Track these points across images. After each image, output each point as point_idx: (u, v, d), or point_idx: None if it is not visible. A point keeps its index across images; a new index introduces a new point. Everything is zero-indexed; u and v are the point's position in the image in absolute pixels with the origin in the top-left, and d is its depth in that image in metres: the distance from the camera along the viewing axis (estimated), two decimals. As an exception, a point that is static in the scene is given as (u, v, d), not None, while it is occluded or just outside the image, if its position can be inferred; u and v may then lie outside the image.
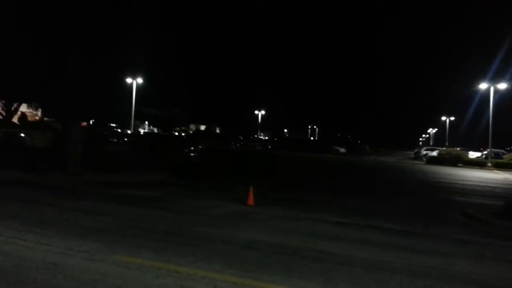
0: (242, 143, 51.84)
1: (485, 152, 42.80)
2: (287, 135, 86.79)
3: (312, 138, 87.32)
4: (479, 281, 5.33)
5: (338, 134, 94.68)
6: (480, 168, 36.31)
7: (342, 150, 53.11)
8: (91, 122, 47.86)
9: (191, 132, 63.03)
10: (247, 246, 6.28)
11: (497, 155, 42.66)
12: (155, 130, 63.49)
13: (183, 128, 66.52)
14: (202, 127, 75.79)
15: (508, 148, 52.62)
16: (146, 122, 69.37)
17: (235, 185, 13.22)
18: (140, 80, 44.22)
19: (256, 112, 75.20)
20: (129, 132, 41.25)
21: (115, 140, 29.29)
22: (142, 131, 56.07)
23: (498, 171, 34.07)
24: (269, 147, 52.31)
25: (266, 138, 68.55)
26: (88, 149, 14.57)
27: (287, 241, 6.71)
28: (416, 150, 60.64)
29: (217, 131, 72.56)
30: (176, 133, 57.24)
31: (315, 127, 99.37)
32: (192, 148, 20.52)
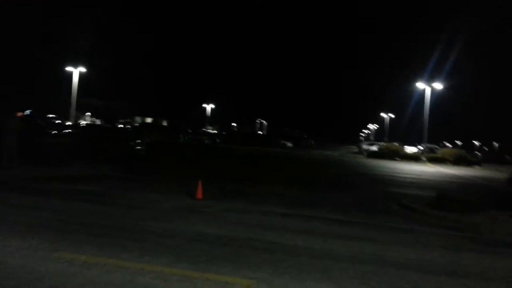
0: (190, 136, 51.23)
1: (420, 147, 45.75)
2: (235, 129, 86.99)
3: (260, 132, 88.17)
4: (413, 265, 5.77)
5: (286, 129, 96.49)
6: (416, 162, 38.78)
7: (289, 144, 54.24)
8: (27, 112, 44.88)
9: (136, 124, 61.15)
10: (195, 239, 6.30)
11: (431, 150, 45.82)
12: (98, 122, 60.88)
13: (128, 120, 64.38)
14: (149, 120, 73.83)
15: (441, 144, 56.69)
16: (89, 113, 66.30)
17: (183, 178, 13.11)
18: (83, 69, 42.10)
19: (205, 105, 74.59)
20: (69, 123, 39.23)
21: (55, 132, 27.71)
22: (83, 122, 53.47)
23: (431, 165, 36.60)
24: (217, 140, 52.18)
25: (215, 132, 68.27)
26: (25, 141, 13.70)
27: (235, 233, 6.81)
28: (358, 145, 63.44)
29: (165, 124, 71.03)
30: (121, 126, 55.26)
31: (263, 121, 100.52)
32: (138, 141, 19.98)
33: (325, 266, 5.39)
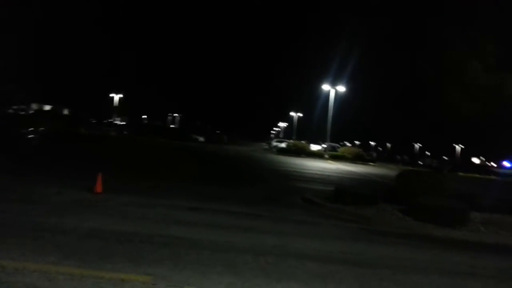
0: (94, 126, 47.94)
1: (324, 145, 48.77)
2: (145, 121, 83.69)
3: (172, 126, 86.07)
4: (311, 255, 6.02)
5: (198, 123, 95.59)
6: (319, 159, 41.21)
7: (201, 139, 53.81)
8: None
9: (31, 111, 55.38)
10: (91, 235, 5.82)
11: (333, 148, 49.15)
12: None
13: (22, 106, 57.99)
14: (48, 107, 67.37)
15: (341, 143, 61.13)
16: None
17: (82, 171, 12.15)
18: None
19: (113, 95, 70.44)
20: None
21: None
22: None
23: (332, 162, 39.19)
24: (125, 132, 49.66)
25: (123, 123, 64.84)
26: None
27: (135, 228, 6.45)
28: (268, 142, 65.47)
29: (66, 113, 65.46)
30: (12, 112, 49.53)
31: (175, 115, 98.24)
32: (30, 129, 18.03)
33: (228, 259, 5.35)
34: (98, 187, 9.08)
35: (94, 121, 51.46)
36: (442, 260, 6.71)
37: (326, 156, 43.49)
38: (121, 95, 68.84)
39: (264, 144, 75.11)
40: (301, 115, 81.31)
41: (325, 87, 47.48)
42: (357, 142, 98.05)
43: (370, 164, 43.48)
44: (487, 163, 59.17)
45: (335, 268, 5.57)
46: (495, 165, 51.64)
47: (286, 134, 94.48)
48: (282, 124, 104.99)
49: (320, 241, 7.09)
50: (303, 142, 51.84)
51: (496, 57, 12.56)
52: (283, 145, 50.32)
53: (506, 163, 45.88)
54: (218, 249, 5.78)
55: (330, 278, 5.12)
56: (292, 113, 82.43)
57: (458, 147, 76.50)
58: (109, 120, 62.49)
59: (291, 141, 55.59)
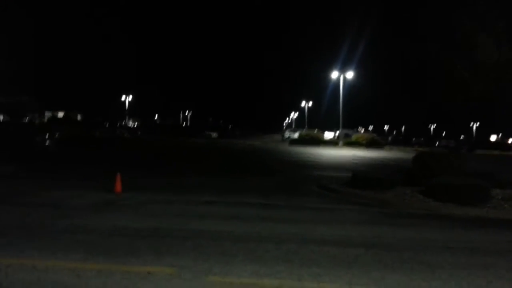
0: (108, 130, 48.56)
1: (337, 132, 48.53)
2: (157, 122, 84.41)
3: (184, 124, 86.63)
4: (331, 241, 6.05)
5: (210, 119, 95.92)
6: (333, 147, 41.04)
7: (214, 134, 54.12)
8: None
9: (46, 120, 56.42)
10: (113, 233, 5.96)
11: (347, 135, 48.82)
12: (0, 118, 55.14)
13: (35, 115, 59.09)
14: (61, 114, 68.45)
15: (356, 129, 60.67)
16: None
17: (101, 173, 12.37)
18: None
19: (124, 98, 71.15)
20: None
21: None
22: None
23: (347, 149, 38.98)
24: (139, 133, 50.23)
25: (136, 124, 65.56)
26: None
27: (157, 224, 6.58)
28: (281, 133, 65.42)
29: (79, 118, 66.44)
30: (28, 121, 50.61)
31: (187, 113, 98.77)
32: (46, 136, 18.40)
33: (249, 248, 5.42)
34: (118, 187, 9.27)
35: (107, 125, 52.14)
36: (463, 239, 6.67)
37: (340, 143, 43.27)
38: (130, 97, 69.46)
39: (276, 135, 75.07)
40: (310, 104, 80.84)
41: (334, 74, 47.04)
42: (371, 127, 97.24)
43: (385, 149, 43.08)
44: (504, 140, 58.06)
45: (357, 251, 5.59)
46: (513, 142, 50.62)
47: (298, 123, 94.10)
48: (293, 115, 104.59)
49: (339, 226, 7.11)
50: (315, 130, 51.64)
51: (507, 33, 12.26)
52: (295, 135, 50.22)
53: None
54: (239, 239, 5.86)
55: (352, 262, 5.15)
56: (303, 103, 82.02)
57: (474, 126, 75.31)
58: (123, 123, 63.22)
59: (304, 130, 55.42)
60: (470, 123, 74.51)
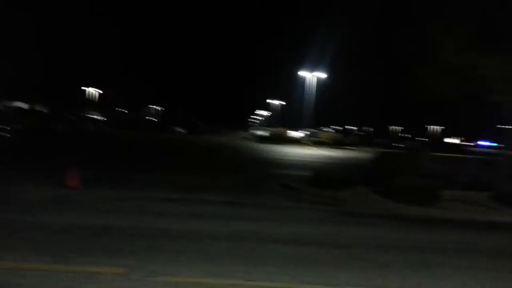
0: (72, 122, 46.97)
1: (305, 131, 49.16)
2: (124, 115, 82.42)
3: (151, 118, 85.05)
4: (287, 239, 6.14)
5: (179, 115, 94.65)
6: (301, 145, 41.51)
7: (182, 130, 53.50)
8: None
9: (10, 111, 53.85)
10: (65, 231, 5.77)
11: (314, 135, 49.60)
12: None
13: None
14: (20, 104, 65.55)
15: (323, 128, 61.73)
16: None
17: (56, 167, 11.93)
18: None
19: (88, 89, 69.21)
20: None
21: None
22: None
23: (314, 148, 39.54)
24: (100, 125, 48.93)
25: (102, 118, 63.80)
26: None
27: (110, 221, 6.42)
28: (250, 131, 65.52)
29: (43, 110, 63.89)
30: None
31: (156, 107, 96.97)
32: (1, 127, 17.59)
33: (203, 247, 5.41)
34: (73, 183, 8.95)
35: (72, 117, 50.40)
36: (409, 238, 6.96)
37: (308, 142, 43.85)
38: (95, 89, 67.64)
39: (246, 133, 75.10)
40: (284, 103, 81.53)
41: (302, 73, 47.61)
42: (338, 128, 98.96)
43: (350, 149, 44.04)
44: (463, 142, 60.68)
45: (311, 250, 5.70)
46: (471, 144, 53.00)
47: (268, 122, 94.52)
48: (265, 113, 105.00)
49: (296, 225, 7.22)
50: (283, 129, 52.06)
51: (469, 37, 12.72)
52: (264, 133, 50.43)
53: (481, 142, 47.18)
54: (194, 238, 5.82)
55: (305, 260, 5.24)
56: (275, 101, 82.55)
57: (432, 128, 78.33)
58: (87, 115, 61.31)
59: (272, 128, 55.73)
60: (434, 126, 77.38)
